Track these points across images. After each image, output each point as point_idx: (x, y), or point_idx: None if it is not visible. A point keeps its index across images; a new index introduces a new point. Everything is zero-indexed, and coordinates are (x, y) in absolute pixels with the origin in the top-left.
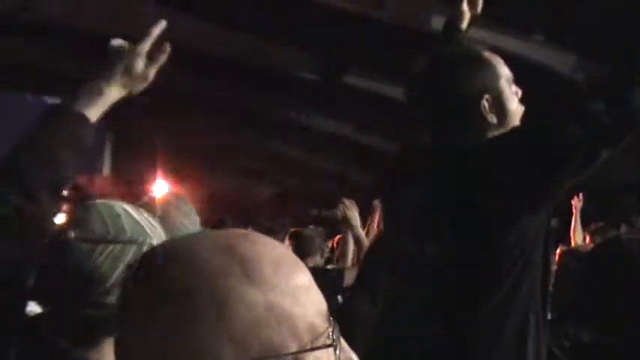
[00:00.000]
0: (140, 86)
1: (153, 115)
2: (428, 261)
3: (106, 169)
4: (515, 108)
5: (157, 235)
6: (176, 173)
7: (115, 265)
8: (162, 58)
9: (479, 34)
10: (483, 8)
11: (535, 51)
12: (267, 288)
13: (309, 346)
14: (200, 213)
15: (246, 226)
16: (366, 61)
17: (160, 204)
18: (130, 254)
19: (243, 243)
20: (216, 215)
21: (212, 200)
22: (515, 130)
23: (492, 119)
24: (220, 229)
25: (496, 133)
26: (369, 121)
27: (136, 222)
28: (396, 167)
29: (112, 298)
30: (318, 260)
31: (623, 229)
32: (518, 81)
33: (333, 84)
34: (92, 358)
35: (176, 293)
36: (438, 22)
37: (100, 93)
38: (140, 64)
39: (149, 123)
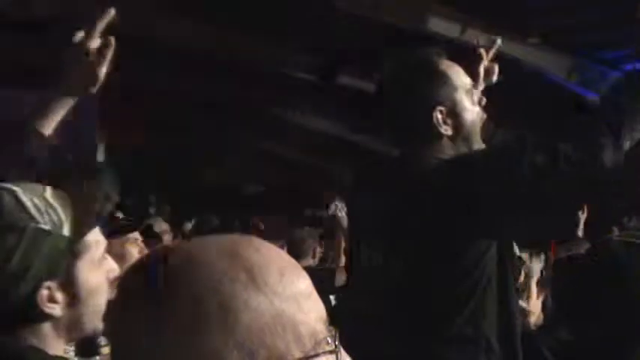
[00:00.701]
0: (94, 86)
1: (142, 112)
2: (390, 275)
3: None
4: (474, 119)
5: (48, 218)
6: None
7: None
8: (110, 53)
9: (476, 37)
10: (479, 11)
11: (530, 54)
12: (273, 294)
13: (312, 353)
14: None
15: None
16: (361, 62)
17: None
18: (11, 241)
19: (248, 249)
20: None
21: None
22: (478, 153)
23: (447, 131)
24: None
25: (457, 145)
26: (363, 121)
27: (21, 205)
28: (359, 178)
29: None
30: (310, 262)
31: (615, 232)
32: (513, 84)
33: (328, 84)
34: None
35: (183, 299)
36: (434, 24)
37: (53, 101)
38: (88, 64)
39: (143, 120)
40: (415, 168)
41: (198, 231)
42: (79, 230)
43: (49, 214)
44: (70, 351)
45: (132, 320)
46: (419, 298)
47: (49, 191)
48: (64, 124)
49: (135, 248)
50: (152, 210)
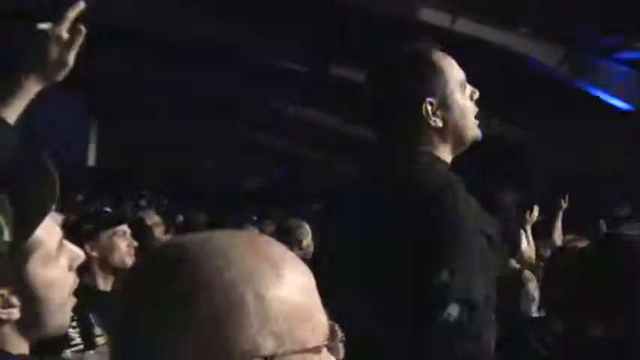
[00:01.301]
0: (60, 73)
1: (138, 105)
2: (365, 301)
3: (91, 160)
4: (465, 113)
5: None
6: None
7: None
8: (79, 41)
9: (466, 26)
10: (469, 1)
11: (521, 43)
12: (293, 286)
13: (326, 343)
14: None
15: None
16: (353, 52)
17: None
18: None
19: (264, 243)
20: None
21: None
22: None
23: (437, 123)
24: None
25: (445, 138)
26: (355, 112)
27: None
28: (335, 193)
29: None
30: (297, 252)
31: (603, 225)
32: (504, 72)
33: (320, 75)
34: None
35: (217, 291)
36: (426, 14)
37: (18, 87)
38: (55, 49)
39: (138, 115)
40: (399, 179)
41: (187, 225)
42: (24, 231)
43: None
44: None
45: (154, 311)
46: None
47: None
48: (53, 129)
49: (123, 241)
50: (144, 202)
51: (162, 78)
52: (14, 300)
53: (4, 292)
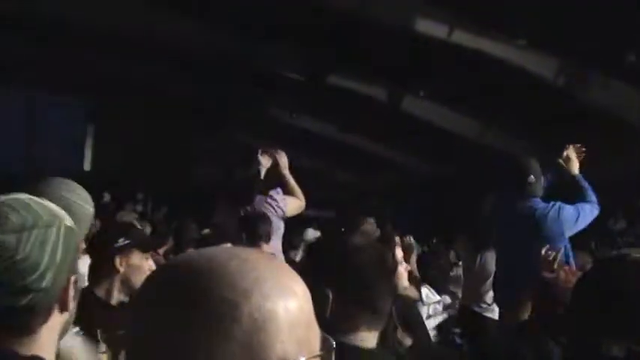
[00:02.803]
0: None
1: (137, 111)
2: None
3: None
4: None
5: (66, 216)
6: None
7: (43, 250)
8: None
9: (464, 37)
10: (468, 13)
11: (518, 55)
12: (301, 297)
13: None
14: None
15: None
16: (350, 62)
17: (50, 188)
18: (53, 236)
19: (275, 259)
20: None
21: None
22: None
23: None
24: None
25: None
26: (351, 121)
27: (45, 206)
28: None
29: (46, 282)
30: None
31: (593, 246)
32: (501, 84)
33: (318, 84)
34: (30, 347)
35: (256, 303)
36: (422, 25)
37: None
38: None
39: (133, 120)
40: None
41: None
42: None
43: (63, 214)
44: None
45: (162, 321)
46: None
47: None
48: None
49: (146, 264)
50: (139, 207)
51: (160, 85)
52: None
53: (73, 279)
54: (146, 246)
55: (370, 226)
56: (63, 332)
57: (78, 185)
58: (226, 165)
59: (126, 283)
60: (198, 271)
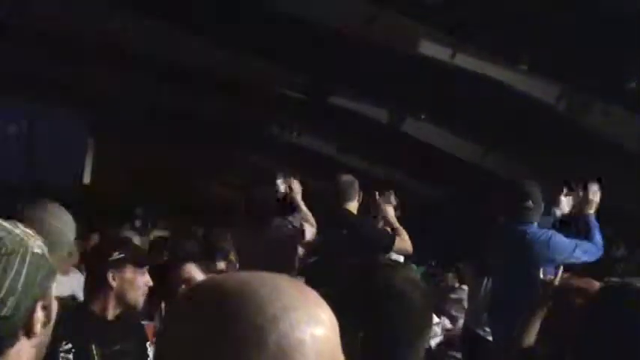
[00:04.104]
0: None
1: (138, 127)
2: None
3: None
4: None
5: (35, 243)
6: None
7: (4, 277)
8: None
9: (466, 62)
10: (472, 37)
11: (520, 80)
12: (332, 326)
13: None
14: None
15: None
16: (352, 83)
17: (34, 212)
18: (16, 263)
19: (305, 286)
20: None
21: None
22: None
23: None
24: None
25: None
26: (352, 141)
27: (13, 232)
28: None
29: (7, 309)
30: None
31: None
32: (503, 108)
33: (320, 103)
34: None
35: (283, 330)
36: (425, 47)
37: None
38: None
39: (133, 136)
40: None
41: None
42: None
43: (34, 239)
44: None
45: (188, 340)
46: None
47: (15, 221)
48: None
49: (141, 280)
50: (138, 223)
51: (160, 100)
52: (40, 315)
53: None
54: (140, 261)
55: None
56: (37, 357)
57: (63, 210)
58: (227, 182)
59: (121, 298)
60: (230, 294)
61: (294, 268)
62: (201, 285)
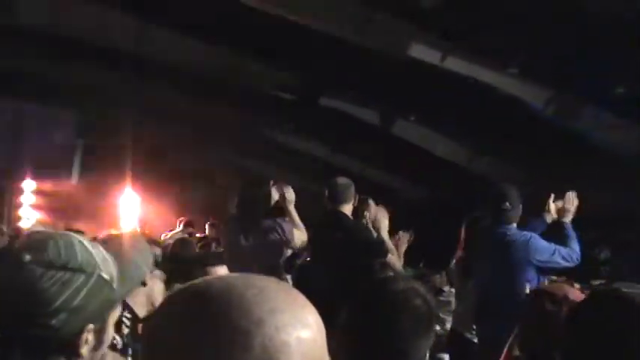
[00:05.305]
0: None
1: (128, 128)
2: None
3: (75, 177)
4: None
5: (107, 269)
6: (149, 187)
7: (62, 291)
8: None
9: (455, 65)
10: (461, 41)
11: (509, 84)
12: (318, 329)
13: None
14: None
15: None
16: (343, 85)
17: (117, 240)
18: (79, 282)
19: (292, 289)
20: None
21: (186, 214)
22: None
23: None
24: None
25: None
26: (343, 142)
27: (89, 253)
28: None
29: (56, 321)
30: None
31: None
32: (492, 111)
33: (310, 105)
34: None
35: (268, 332)
36: (416, 50)
37: None
38: None
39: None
40: None
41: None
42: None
43: (107, 265)
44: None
45: (174, 342)
46: None
47: (98, 243)
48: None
49: (160, 284)
50: None
51: (149, 99)
52: (90, 338)
53: (92, 328)
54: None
55: (372, 208)
56: None
57: (146, 245)
58: (215, 183)
59: (149, 300)
60: (216, 296)
61: (282, 270)
62: (187, 287)
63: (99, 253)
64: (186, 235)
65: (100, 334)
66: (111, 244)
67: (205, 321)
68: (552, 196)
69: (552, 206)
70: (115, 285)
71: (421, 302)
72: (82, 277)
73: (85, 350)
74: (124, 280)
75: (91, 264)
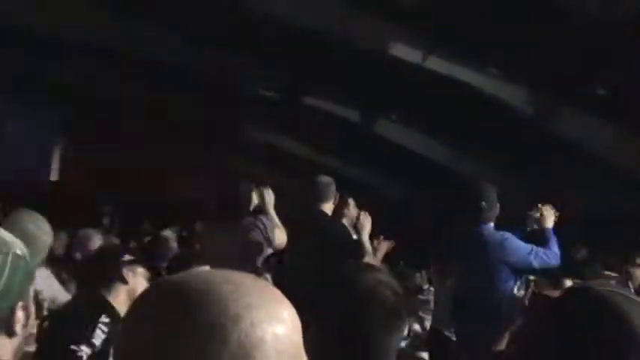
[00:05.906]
0: None
1: (114, 126)
2: None
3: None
4: None
5: (18, 245)
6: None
7: None
8: None
9: (437, 64)
10: (442, 41)
11: (488, 83)
12: (294, 325)
13: None
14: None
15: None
16: (325, 83)
17: (14, 216)
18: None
19: (270, 285)
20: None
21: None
22: None
23: None
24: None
25: None
26: (324, 142)
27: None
28: None
29: None
30: None
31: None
32: (473, 111)
33: (293, 104)
34: None
35: (244, 327)
36: (397, 49)
37: None
38: None
39: (109, 133)
40: None
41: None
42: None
43: (16, 242)
44: None
45: (151, 338)
46: None
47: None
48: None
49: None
50: (106, 221)
51: (132, 98)
52: (20, 315)
53: (21, 305)
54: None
55: (352, 208)
56: (16, 356)
57: (41, 217)
58: (200, 182)
59: (131, 297)
60: (192, 292)
61: (259, 267)
62: (164, 283)
63: (5, 234)
64: None
65: (26, 310)
66: (9, 220)
67: (181, 316)
68: (533, 207)
69: (531, 216)
70: (28, 259)
71: (391, 294)
72: (0, 258)
73: (18, 327)
74: (33, 252)
75: (4, 244)
